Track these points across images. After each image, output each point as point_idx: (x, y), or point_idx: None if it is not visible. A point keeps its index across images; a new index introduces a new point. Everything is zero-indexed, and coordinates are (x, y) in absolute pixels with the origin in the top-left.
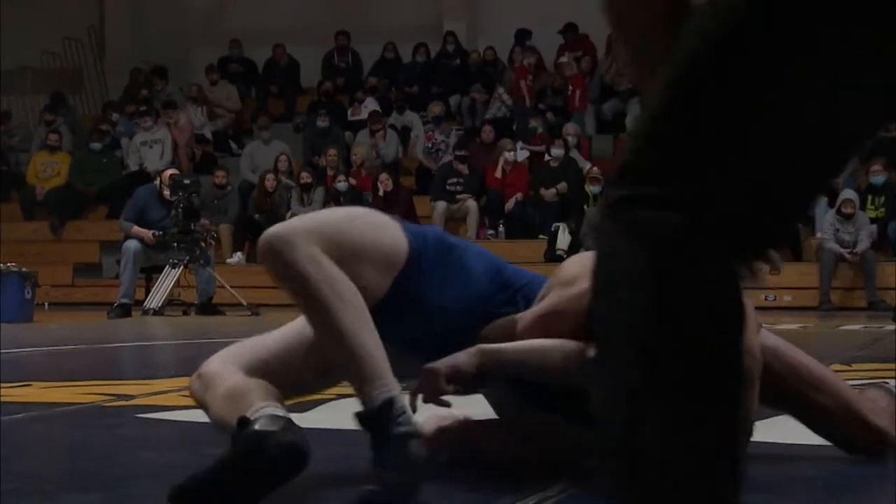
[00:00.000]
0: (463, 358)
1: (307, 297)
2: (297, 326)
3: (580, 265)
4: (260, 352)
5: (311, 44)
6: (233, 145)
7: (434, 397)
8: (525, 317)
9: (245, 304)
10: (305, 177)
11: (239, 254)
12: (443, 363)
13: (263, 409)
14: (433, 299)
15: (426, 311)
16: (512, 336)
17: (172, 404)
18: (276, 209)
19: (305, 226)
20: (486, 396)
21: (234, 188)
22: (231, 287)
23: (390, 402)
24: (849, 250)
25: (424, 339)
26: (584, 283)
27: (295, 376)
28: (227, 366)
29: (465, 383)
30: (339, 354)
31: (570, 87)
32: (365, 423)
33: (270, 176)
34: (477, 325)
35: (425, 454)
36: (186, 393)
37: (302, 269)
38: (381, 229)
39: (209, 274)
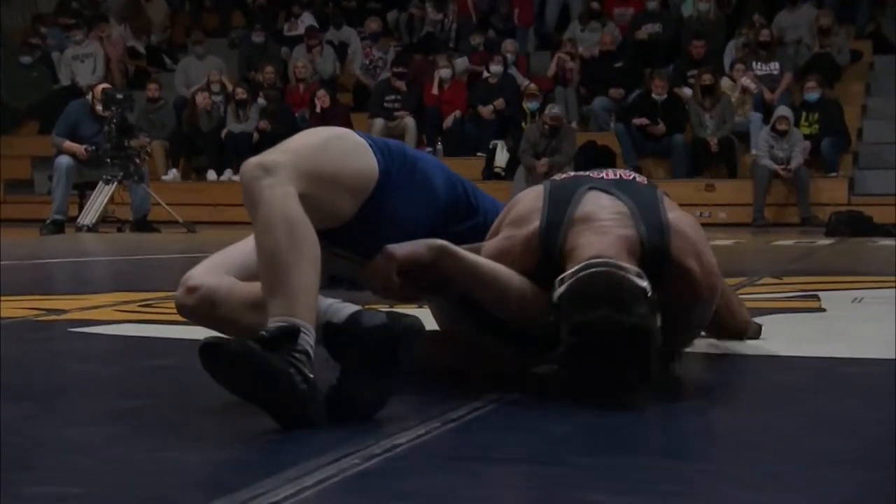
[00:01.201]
0: (422, 247)
1: (264, 236)
2: None
3: (530, 204)
4: (249, 259)
5: None
6: (167, 60)
7: (384, 282)
8: (476, 250)
9: (181, 221)
10: (240, 93)
11: (174, 170)
12: (401, 247)
13: (336, 306)
14: (399, 215)
15: (393, 225)
16: None
17: (106, 318)
18: (210, 126)
19: (285, 161)
20: (429, 304)
21: (168, 103)
22: (166, 204)
23: (294, 332)
24: (783, 167)
25: None
26: (534, 224)
27: None
28: (226, 277)
29: (415, 276)
30: (269, 291)
31: (513, 4)
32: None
33: (204, 93)
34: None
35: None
36: (120, 308)
37: (267, 211)
38: (354, 155)
39: (144, 191)
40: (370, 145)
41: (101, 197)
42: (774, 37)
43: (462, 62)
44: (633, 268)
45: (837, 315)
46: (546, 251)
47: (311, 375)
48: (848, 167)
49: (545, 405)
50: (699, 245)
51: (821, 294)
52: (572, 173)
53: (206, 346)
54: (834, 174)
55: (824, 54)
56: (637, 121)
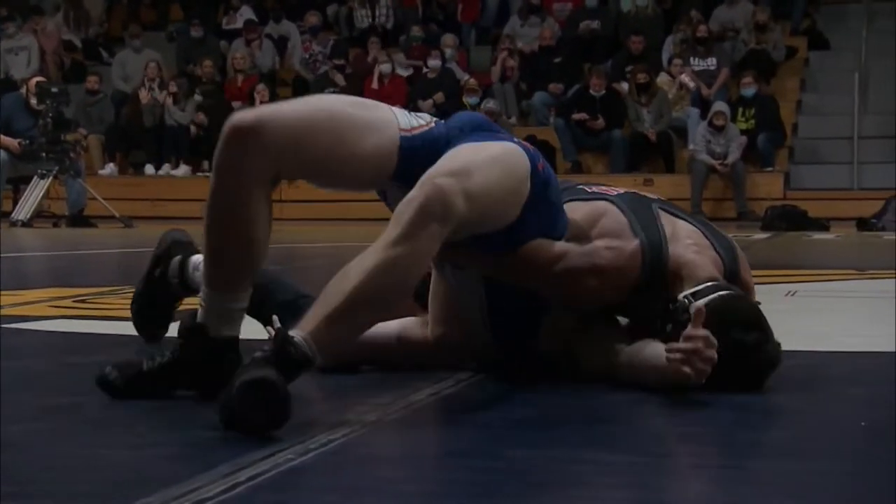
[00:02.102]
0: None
1: (384, 273)
2: None
3: (615, 217)
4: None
5: None
6: (104, 53)
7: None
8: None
9: (117, 216)
10: (175, 86)
11: (111, 165)
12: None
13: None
14: (523, 233)
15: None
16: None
17: (39, 314)
18: (153, 121)
19: (462, 214)
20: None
21: (106, 96)
22: (103, 199)
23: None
24: (720, 161)
25: None
26: (633, 239)
27: None
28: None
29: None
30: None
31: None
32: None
33: (144, 90)
34: None
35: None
36: (54, 304)
37: (406, 254)
38: (515, 199)
39: (80, 185)
40: (529, 192)
41: (36, 191)
42: (712, 33)
43: (396, 60)
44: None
45: (771, 308)
46: (654, 266)
47: None
48: (784, 162)
49: (483, 399)
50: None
51: (755, 287)
52: (596, 186)
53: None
54: (770, 169)
55: (760, 50)
56: (576, 116)
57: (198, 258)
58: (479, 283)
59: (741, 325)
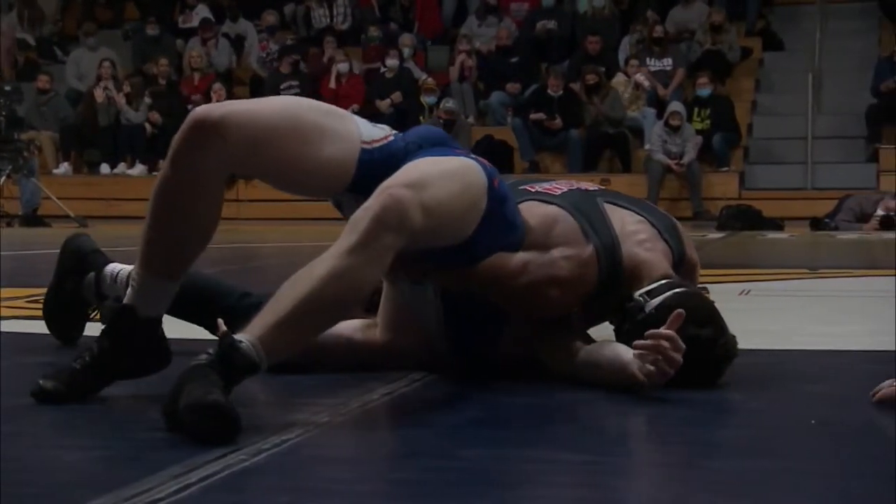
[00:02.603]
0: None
1: (334, 280)
2: None
3: (564, 222)
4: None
5: None
6: (58, 52)
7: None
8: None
9: (72, 215)
10: (129, 85)
11: (66, 164)
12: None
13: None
14: (476, 245)
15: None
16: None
17: None
18: (108, 120)
19: (419, 225)
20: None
21: (59, 95)
22: (57, 198)
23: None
24: (676, 161)
25: None
26: (586, 244)
27: None
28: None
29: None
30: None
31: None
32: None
33: (99, 88)
34: None
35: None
36: (7, 304)
37: (360, 262)
38: (473, 216)
39: (33, 184)
40: (485, 208)
41: None
42: (667, 33)
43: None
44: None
45: (725, 307)
46: (610, 270)
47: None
48: (739, 162)
49: (436, 399)
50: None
51: (710, 286)
52: (544, 184)
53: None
54: (725, 169)
55: (716, 51)
56: (534, 116)
57: (113, 268)
58: (436, 294)
59: (696, 322)
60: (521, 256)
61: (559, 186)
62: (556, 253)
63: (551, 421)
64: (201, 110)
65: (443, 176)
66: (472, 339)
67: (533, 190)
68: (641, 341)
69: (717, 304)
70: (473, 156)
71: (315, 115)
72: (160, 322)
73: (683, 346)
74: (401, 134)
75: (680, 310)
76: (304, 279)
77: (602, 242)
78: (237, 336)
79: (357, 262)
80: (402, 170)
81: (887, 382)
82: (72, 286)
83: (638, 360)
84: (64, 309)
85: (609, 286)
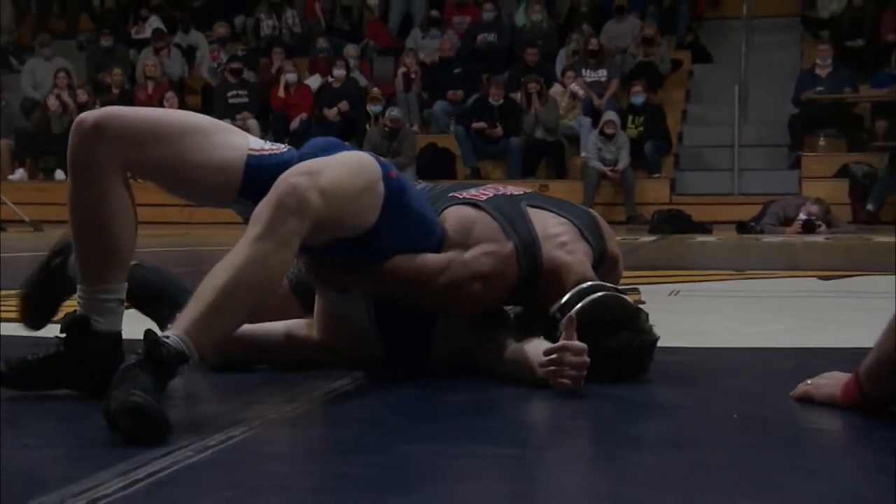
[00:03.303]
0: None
1: (247, 265)
2: None
3: (484, 222)
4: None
5: None
6: (13, 62)
7: None
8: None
9: (27, 220)
10: (82, 95)
11: (21, 170)
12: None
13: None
14: (381, 244)
15: (370, 250)
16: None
17: None
18: (61, 128)
19: (316, 207)
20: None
21: (9, 104)
22: (13, 203)
23: (185, 361)
24: (610, 168)
25: None
26: (507, 243)
27: None
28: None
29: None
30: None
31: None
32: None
33: (52, 97)
34: None
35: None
36: None
37: (268, 248)
38: (370, 209)
39: None
40: (384, 195)
41: None
42: (602, 46)
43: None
44: (620, 287)
45: (655, 307)
46: (530, 267)
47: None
48: (670, 169)
49: (376, 397)
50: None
51: (641, 287)
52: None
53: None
54: (657, 175)
55: (648, 63)
56: (475, 125)
57: None
58: (367, 295)
59: (607, 330)
60: (441, 256)
61: (485, 192)
62: (477, 250)
63: (485, 417)
64: (82, 115)
65: (336, 162)
66: (405, 335)
67: (461, 196)
68: (544, 359)
69: (647, 305)
70: (367, 152)
71: (203, 121)
72: (117, 337)
73: (584, 346)
74: (296, 149)
75: (571, 315)
76: (220, 271)
77: (522, 241)
78: (164, 332)
79: (266, 248)
80: (297, 164)
81: (806, 382)
82: (57, 265)
83: (548, 375)
84: (43, 287)
85: (528, 284)
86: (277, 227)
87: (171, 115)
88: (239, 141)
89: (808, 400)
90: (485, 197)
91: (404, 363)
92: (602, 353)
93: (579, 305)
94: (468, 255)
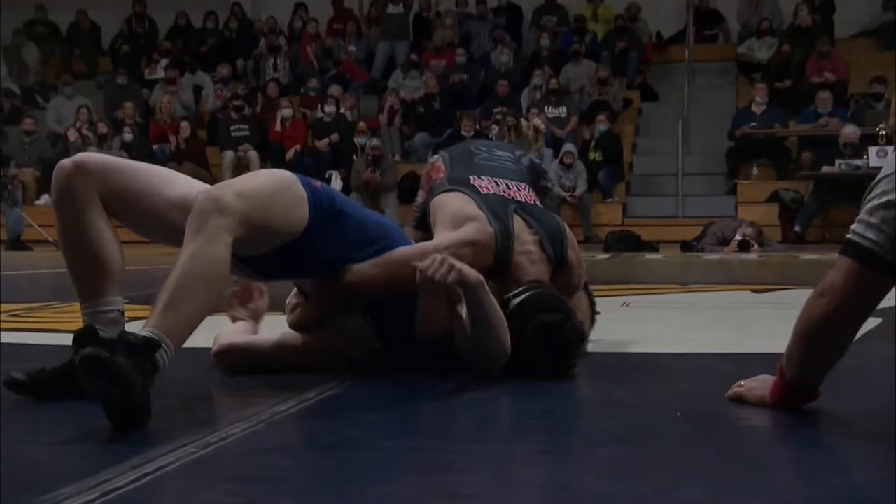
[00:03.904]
0: (473, 275)
1: (190, 262)
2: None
3: (472, 206)
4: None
5: (111, 8)
6: (39, 99)
7: (435, 275)
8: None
9: (51, 240)
10: (102, 127)
11: (46, 196)
12: (462, 265)
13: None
14: (316, 256)
15: (305, 263)
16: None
17: None
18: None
19: (237, 208)
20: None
21: (41, 135)
22: (39, 226)
23: (156, 346)
24: (569, 193)
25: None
26: (489, 226)
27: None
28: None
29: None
30: (162, 304)
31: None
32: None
33: (73, 130)
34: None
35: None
36: None
37: (203, 244)
38: (293, 209)
39: (17, 214)
40: (308, 198)
41: None
42: (561, 85)
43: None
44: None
45: (609, 317)
46: (504, 254)
47: (150, 386)
48: (622, 194)
49: (361, 399)
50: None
51: (596, 300)
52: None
53: (84, 357)
54: (610, 200)
55: (603, 101)
56: None
57: None
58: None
59: (546, 309)
60: (429, 242)
61: (488, 187)
62: (469, 224)
63: (460, 415)
64: (61, 161)
65: (247, 175)
66: (395, 324)
67: (471, 180)
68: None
69: (602, 315)
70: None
71: (164, 168)
72: None
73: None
74: None
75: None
76: (172, 273)
77: (501, 233)
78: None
79: (199, 243)
80: None
81: (739, 384)
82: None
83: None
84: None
85: (500, 270)
86: (203, 227)
87: (141, 164)
88: (199, 187)
89: (740, 400)
90: (484, 192)
91: (394, 356)
92: (539, 329)
93: (528, 293)
94: (461, 227)
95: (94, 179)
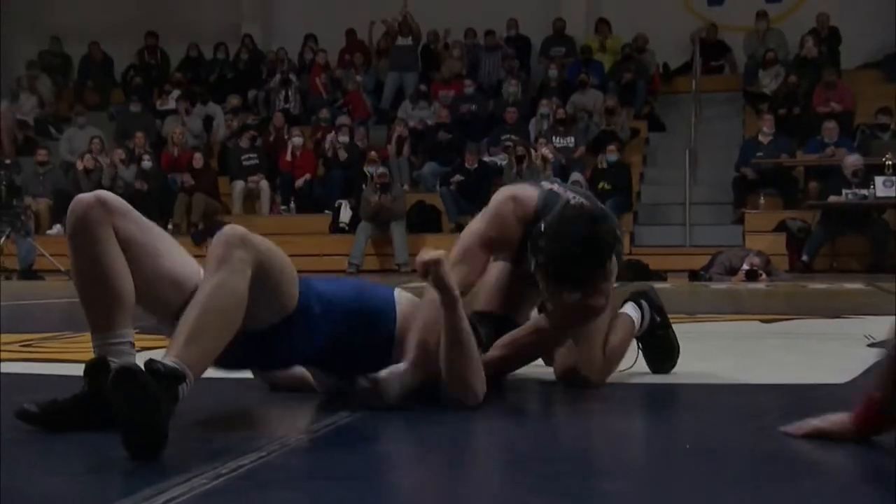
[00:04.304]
0: (450, 289)
1: (213, 292)
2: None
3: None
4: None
5: (124, 40)
6: (52, 130)
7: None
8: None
9: (63, 269)
10: (120, 153)
11: (58, 226)
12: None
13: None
14: (297, 345)
15: (287, 351)
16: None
17: None
18: (90, 188)
19: (260, 249)
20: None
21: (55, 166)
22: (51, 255)
23: (181, 379)
24: None
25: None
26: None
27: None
28: None
29: None
30: (184, 336)
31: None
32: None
33: (88, 156)
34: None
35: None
36: (3, 348)
37: (227, 277)
38: (291, 284)
39: (30, 244)
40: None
41: None
42: (568, 115)
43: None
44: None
45: None
46: (547, 203)
47: (171, 416)
48: (629, 223)
49: (366, 430)
50: None
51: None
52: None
53: (121, 369)
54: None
55: (610, 131)
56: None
57: None
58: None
59: (589, 218)
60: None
61: (551, 185)
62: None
63: (469, 447)
64: (78, 196)
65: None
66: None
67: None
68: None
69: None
70: None
71: (170, 238)
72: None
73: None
74: None
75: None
76: (193, 303)
77: (545, 201)
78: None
79: (224, 274)
80: None
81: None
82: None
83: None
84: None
85: (538, 221)
86: (228, 258)
87: (149, 221)
88: (195, 267)
89: (818, 435)
90: (548, 187)
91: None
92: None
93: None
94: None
95: (111, 216)
